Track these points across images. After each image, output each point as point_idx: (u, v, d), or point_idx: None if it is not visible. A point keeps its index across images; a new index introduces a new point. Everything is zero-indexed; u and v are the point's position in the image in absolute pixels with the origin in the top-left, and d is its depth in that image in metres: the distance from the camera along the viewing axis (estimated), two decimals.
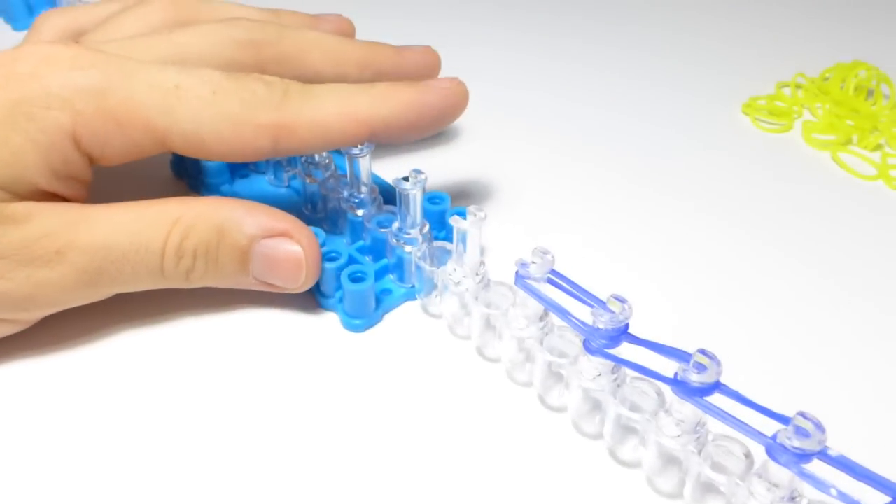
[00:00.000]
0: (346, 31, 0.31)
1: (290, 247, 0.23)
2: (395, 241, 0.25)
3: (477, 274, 0.24)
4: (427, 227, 0.25)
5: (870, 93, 0.39)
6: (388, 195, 0.27)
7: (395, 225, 0.25)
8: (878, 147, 0.36)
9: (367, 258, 0.26)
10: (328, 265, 0.25)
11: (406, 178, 0.24)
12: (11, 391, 0.23)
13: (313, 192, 0.28)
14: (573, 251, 0.28)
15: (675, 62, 0.43)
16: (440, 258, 0.25)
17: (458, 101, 0.27)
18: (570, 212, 0.31)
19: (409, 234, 0.25)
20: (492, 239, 0.29)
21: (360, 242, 0.27)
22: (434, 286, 0.25)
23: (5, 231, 0.21)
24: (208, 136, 0.23)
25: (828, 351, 0.25)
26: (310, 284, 0.24)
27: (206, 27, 0.26)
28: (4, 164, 0.21)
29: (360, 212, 0.26)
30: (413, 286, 0.26)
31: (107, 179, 0.26)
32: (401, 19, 0.47)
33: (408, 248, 0.25)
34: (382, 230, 0.26)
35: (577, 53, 0.44)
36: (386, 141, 0.26)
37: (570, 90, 0.40)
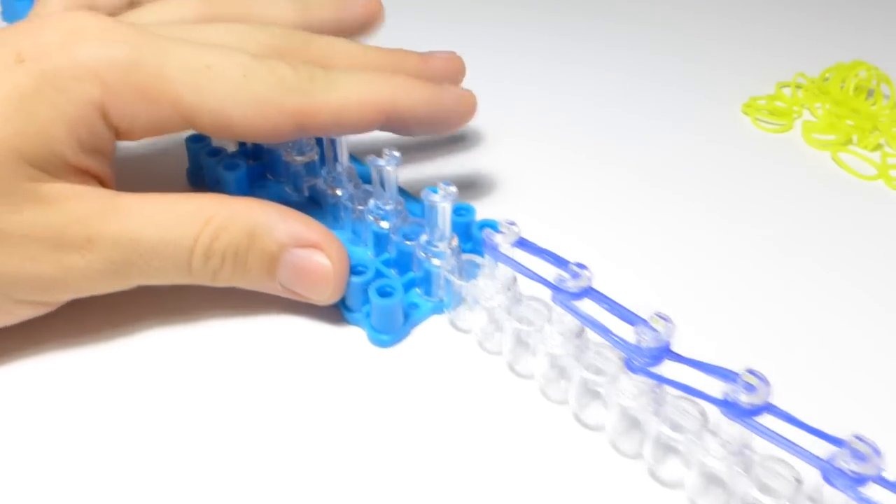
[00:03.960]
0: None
1: (320, 259, 0.23)
2: (422, 254, 0.25)
3: (509, 289, 0.23)
4: (456, 241, 0.25)
5: (870, 93, 0.39)
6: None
7: (424, 237, 0.25)
8: (878, 147, 0.36)
9: (393, 271, 0.26)
10: (354, 279, 0.24)
11: (435, 190, 0.23)
12: (31, 379, 0.23)
13: (335, 202, 0.28)
14: (574, 251, 0.29)
15: (675, 62, 0.43)
16: (469, 272, 0.24)
17: (468, 109, 0.28)
18: (570, 212, 0.31)
19: (437, 247, 0.24)
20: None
21: (386, 255, 0.26)
22: (462, 300, 0.24)
23: (39, 213, 0.21)
24: (236, 116, 0.23)
25: (828, 351, 0.25)
26: (335, 299, 0.24)
27: (235, 25, 0.26)
28: (35, 139, 0.21)
29: (385, 224, 0.26)
30: (441, 300, 0.25)
31: (124, 187, 0.25)
32: (406, 18, 0.47)
33: (436, 262, 0.24)
34: (409, 243, 0.25)
35: (578, 53, 0.44)
36: (394, 130, 0.27)
37: (571, 90, 0.40)
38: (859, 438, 0.17)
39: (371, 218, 0.26)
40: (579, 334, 0.22)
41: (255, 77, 0.23)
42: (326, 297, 0.24)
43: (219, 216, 0.22)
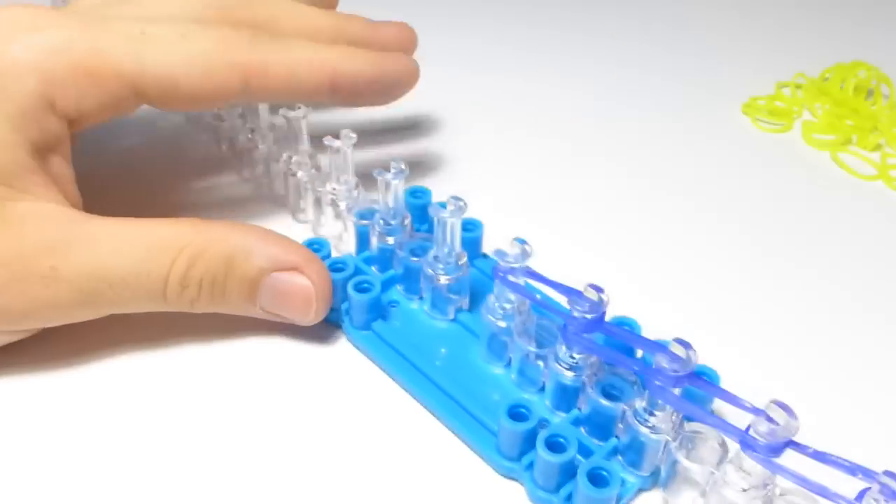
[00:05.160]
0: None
1: (301, 281, 0.22)
2: (635, 422, 0.19)
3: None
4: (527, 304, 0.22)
5: (870, 93, 0.39)
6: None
7: (432, 253, 0.24)
8: (878, 147, 0.36)
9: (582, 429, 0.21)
10: (551, 458, 0.19)
11: (444, 206, 0.22)
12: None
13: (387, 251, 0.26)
14: (570, 252, 0.29)
15: (674, 62, 0.43)
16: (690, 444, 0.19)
17: (410, 75, 0.28)
18: (568, 211, 0.31)
19: (447, 263, 0.23)
20: (492, 243, 0.29)
21: (576, 412, 0.21)
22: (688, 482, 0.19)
23: (1, 237, 0.20)
24: (180, 76, 0.22)
25: (827, 351, 0.25)
26: (320, 318, 0.23)
27: None
28: None
29: (501, 324, 0.22)
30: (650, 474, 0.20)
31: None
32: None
33: (652, 435, 0.19)
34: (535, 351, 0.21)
35: (578, 53, 0.44)
36: (343, 99, 0.27)
37: (571, 90, 0.40)
38: (891, 475, 0.16)
39: (454, 297, 0.24)
40: (767, 482, 0.18)
41: (194, 36, 0.23)
42: (310, 318, 0.23)
43: (194, 243, 0.21)
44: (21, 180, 0.21)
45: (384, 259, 0.25)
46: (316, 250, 0.25)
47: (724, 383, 0.21)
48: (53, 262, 0.20)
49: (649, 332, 0.23)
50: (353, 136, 0.25)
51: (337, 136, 0.25)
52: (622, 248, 0.29)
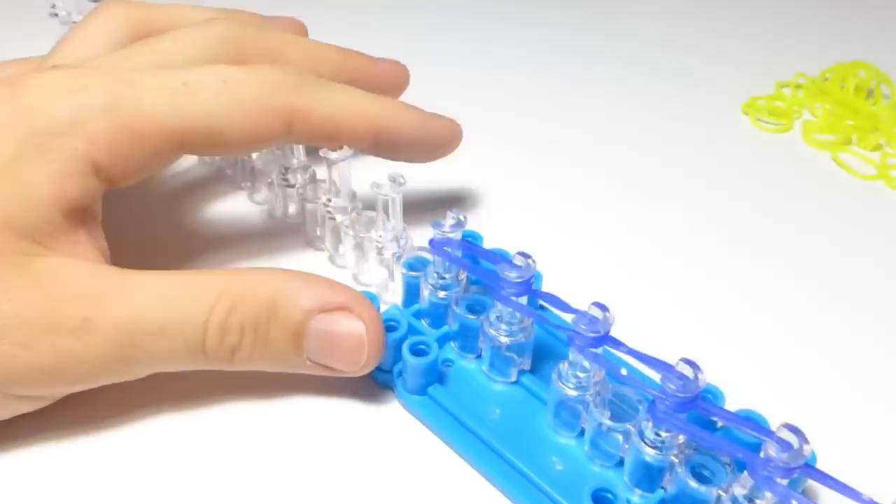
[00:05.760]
0: (300, 32, 0.31)
1: (350, 322, 0.21)
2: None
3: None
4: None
5: (870, 93, 0.39)
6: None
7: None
8: (878, 147, 0.36)
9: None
10: None
11: (516, 260, 0.21)
12: (25, 477, 0.20)
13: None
14: (571, 252, 0.29)
15: (675, 62, 0.43)
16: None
17: (455, 137, 0.28)
18: (569, 212, 0.31)
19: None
20: (493, 243, 0.29)
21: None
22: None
23: (29, 290, 0.19)
24: (223, 123, 0.22)
25: (827, 351, 0.25)
26: (371, 367, 0.21)
27: (186, 31, 0.24)
28: (20, 202, 0.20)
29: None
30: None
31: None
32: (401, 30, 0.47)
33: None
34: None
35: (577, 54, 0.44)
36: (383, 151, 0.26)
37: (571, 90, 0.40)
38: None
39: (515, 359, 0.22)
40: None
41: (236, 82, 0.22)
42: (361, 364, 0.21)
43: (234, 287, 0.20)
44: (52, 239, 0.20)
45: (437, 314, 0.23)
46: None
47: (724, 381, 0.21)
48: (86, 313, 0.19)
49: (649, 330, 0.23)
50: (403, 180, 0.23)
51: (386, 180, 0.24)
52: (622, 247, 0.29)
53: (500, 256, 0.22)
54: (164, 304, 0.20)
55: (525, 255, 0.21)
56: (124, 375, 0.20)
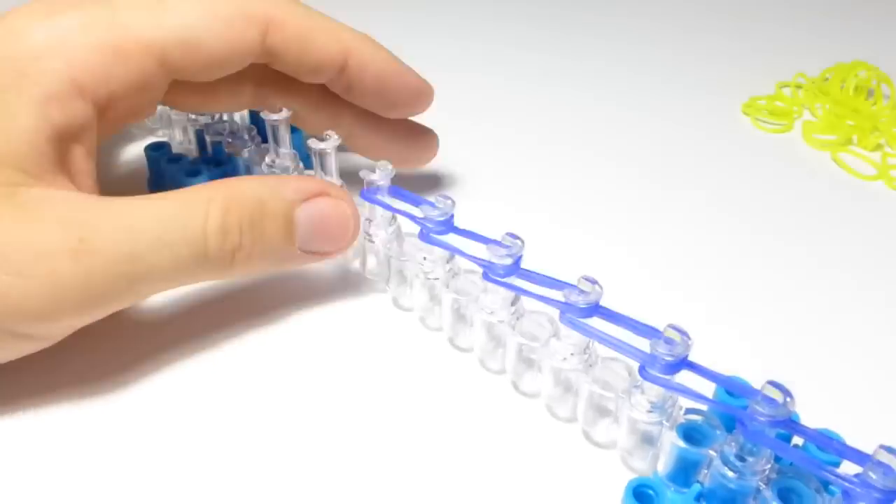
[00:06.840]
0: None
1: (332, 202, 0.23)
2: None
3: (447, 262, 0.24)
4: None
5: (870, 93, 0.39)
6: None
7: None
8: (878, 147, 0.36)
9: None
10: None
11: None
12: (42, 428, 0.20)
13: None
14: (571, 252, 0.29)
15: (675, 62, 0.43)
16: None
17: (422, 94, 0.27)
18: (568, 212, 0.31)
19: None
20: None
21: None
22: (404, 279, 0.24)
23: (19, 218, 0.19)
24: (202, 34, 0.22)
25: (827, 350, 0.25)
26: (355, 238, 0.24)
27: None
28: (2, 131, 0.19)
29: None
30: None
31: None
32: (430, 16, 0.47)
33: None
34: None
35: (578, 54, 0.44)
36: (353, 86, 0.26)
37: (571, 90, 0.40)
38: (885, 449, 0.16)
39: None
40: (514, 301, 0.22)
41: None
42: (348, 238, 0.23)
43: (220, 193, 0.21)
44: (39, 167, 0.20)
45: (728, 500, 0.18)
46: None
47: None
48: (80, 234, 0.19)
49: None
50: (451, 200, 0.23)
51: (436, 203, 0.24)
52: (622, 247, 0.29)
53: (486, 239, 0.22)
54: (159, 217, 0.20)
55: (784, 390, 0.17)
56: (127, 297, 0.20)
